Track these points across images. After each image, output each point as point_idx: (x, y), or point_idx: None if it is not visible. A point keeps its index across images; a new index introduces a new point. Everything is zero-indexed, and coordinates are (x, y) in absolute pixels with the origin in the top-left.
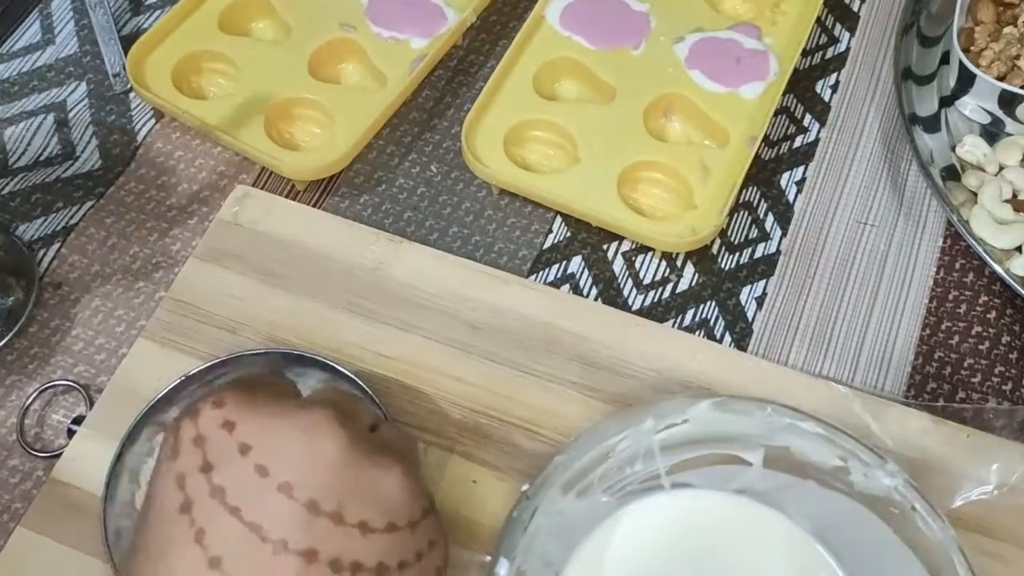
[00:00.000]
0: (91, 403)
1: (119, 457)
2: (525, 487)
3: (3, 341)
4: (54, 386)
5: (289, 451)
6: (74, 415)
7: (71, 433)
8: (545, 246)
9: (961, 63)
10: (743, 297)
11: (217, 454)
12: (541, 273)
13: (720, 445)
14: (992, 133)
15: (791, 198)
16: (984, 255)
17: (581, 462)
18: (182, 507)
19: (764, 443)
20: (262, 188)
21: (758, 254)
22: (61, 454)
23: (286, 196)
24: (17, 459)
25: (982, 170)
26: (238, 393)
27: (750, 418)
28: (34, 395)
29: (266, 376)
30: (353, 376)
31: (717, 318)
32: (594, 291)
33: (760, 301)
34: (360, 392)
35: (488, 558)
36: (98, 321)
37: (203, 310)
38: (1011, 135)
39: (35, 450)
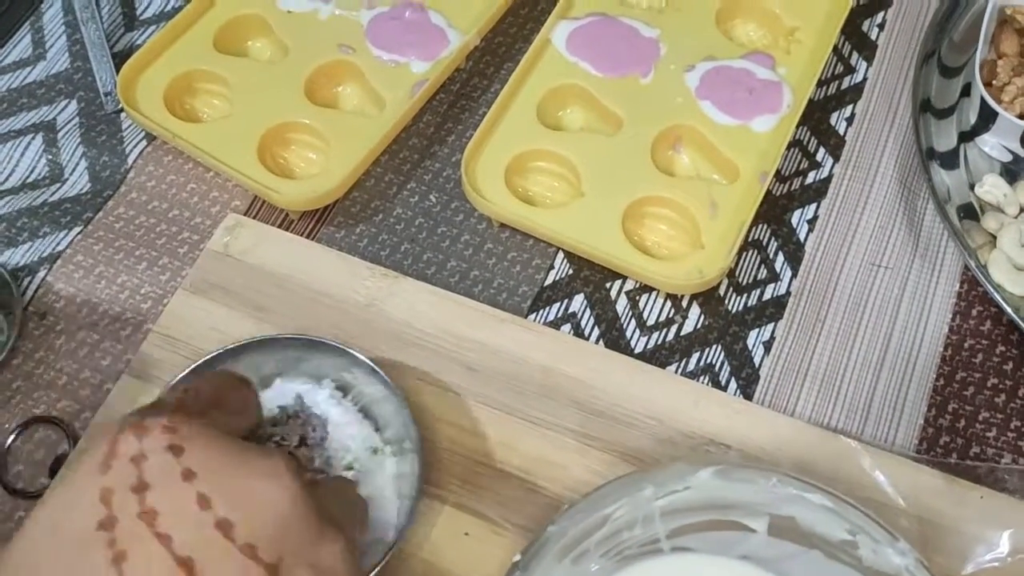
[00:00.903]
0: (74, 441)
1: None
2: (517, 557)
3: None
4: (36, 421)
5: (238, 490)
6: (57, 453)
7: (53, 472)
8: (546, 283)
9: (982, 99)
10: (750, 341)
11: (156, 475)
12: (542, 311)
13: (723, 512)
14: (1013, 172)
15: (802, 237)
16: (1002, 303)
17: (576, 529)
18: (102, 524)
19: (769, 511)
20: (256, 214)
21: (767, 296)
22: (42, 494)
23: (280, 224)
24: None
25: (1002, 212)
26: (194, 421)
27: (754, 487)
28: (15, 433)
29: (228, 381)
30: (372, 364)
31: (723, 363)
32: (596, 331)
33: (768, 346)
34: (379, 380)
35: None
36: (84, 354)
37: (190, 345)
38: None
39: (16, 490)
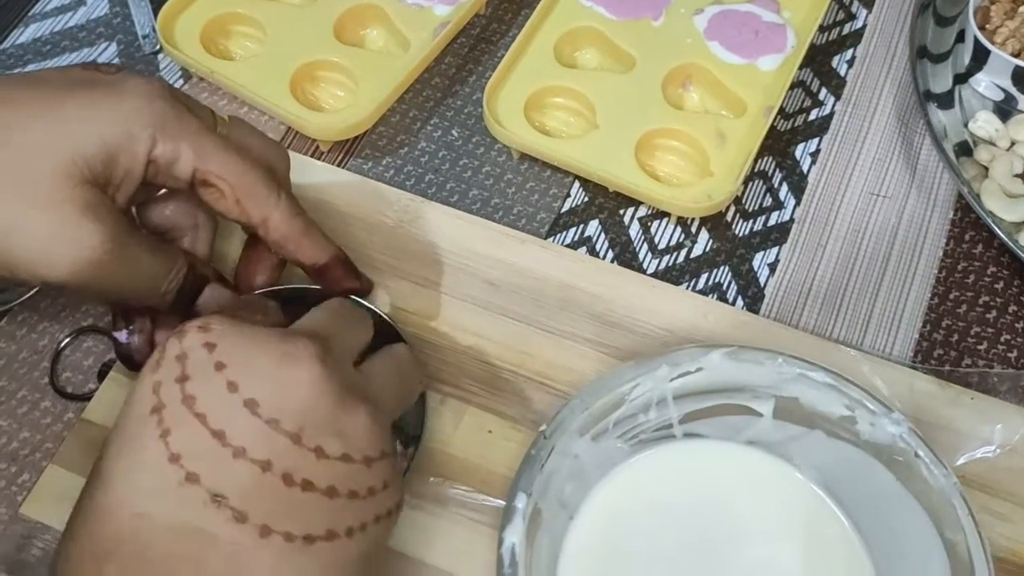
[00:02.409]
0: None
1: None
2: (543, 428)
3: (35, 288)
4: (84, 331)
5: (261, 374)
6: (104, 360)
7: (102, 376)
8: (563, 210)
9: (976, 40)
10: (756, 263)
11: (194, 368)
12: (559, 236)
13: (731, 395)
14: (1005, 110)
15: (805, 168)
16: (994, 227)
17: (596, 406)
18: (153, 409)
19: (774, 393)
20: (289, 145)
21: (772, 222)
22: (91, 397)
23: (310, 156)
24: (49, 401)
25: (994, 145)
26: (224, 319)
27: (761, 367)
28: (66, 340)
29: (256, 302)
30: (377, 310)
31: (730, 283)
32: (610, 254)
33: (773, 267)
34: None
35: (502, 502)
36: None
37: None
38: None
39: (66, 394)
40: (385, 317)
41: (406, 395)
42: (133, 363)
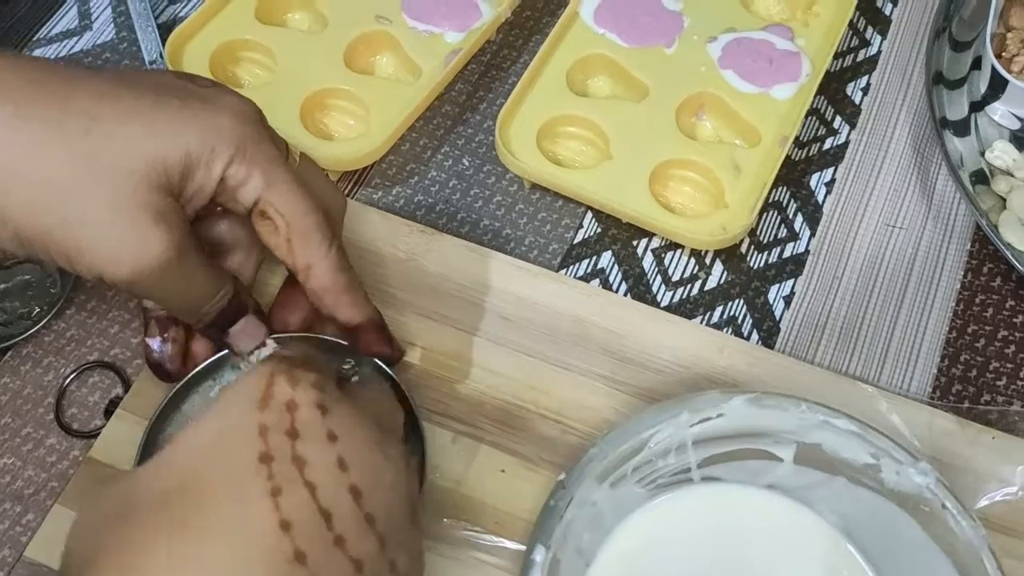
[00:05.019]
0: (127, 385)
1: (149, 436)
2: (561, 476)
3: (42, 323)
4: (90, 367)
5: (369, 463)
6: (111, 396)
7: (108, 413)
8: (575, 241)
9: (993, 68)
10: (771, 296)
11: (305, 427)
12: (571, 267)
13: (752, 440)
14: (1021, 139)
15: (820, 199)
16: (1012, 260)
17: (616, 453)
18: (262, 457)
19: (796, 439)
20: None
21: (787, 254)
22: (98, 434)
23: None
24: (55, 439)
25: (1011, 175)
26: (333, 384)
27: (784, 414)
28: (71, 376)
29: (319, 358)
30: (387, 368)
31: (745, 316)
32: (624, 286)
33: (788, 300)
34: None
35: (516, 546)
36: (135, 303)
37: None
38: None
39: (72, 431)
40: (408, 397)
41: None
42: (164, 372)
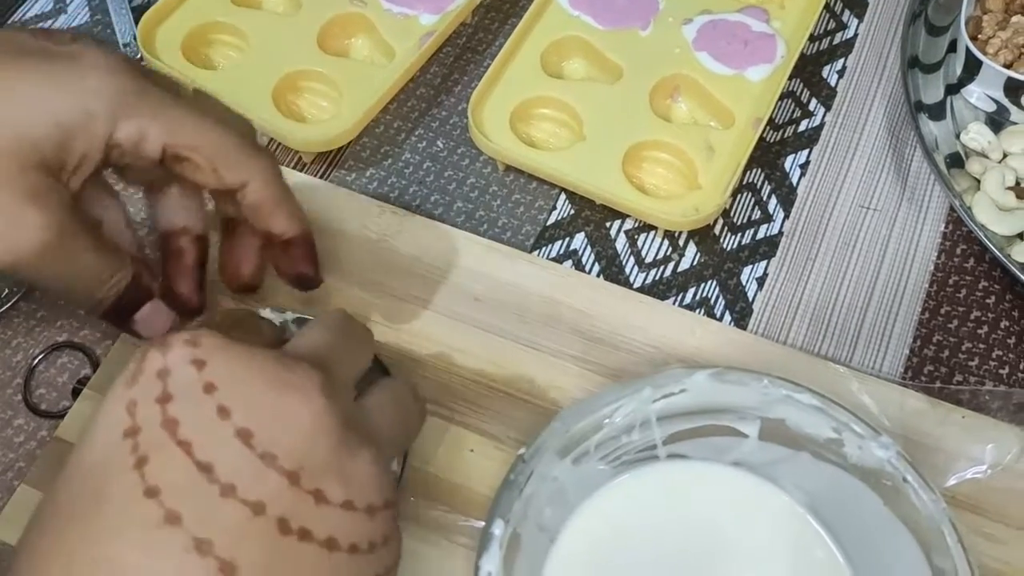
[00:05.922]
0: (95, 365)
1: None
2: (521, 451)
3: (10, 303)
4: (59, 347)
5: (258, 402)
6: (79, 377)
7: (76, 393)
8: (549, 222)
9: (968, 50)
10: (744, 277)
11: (178, 387)
12: (544, 249)
13: (716, 416)
14: (997, 121)
15: (794, 181)
16: (986, 241)
17: (577, 428)
18: (127, 432)
19: (760, 415)
20: None
21: (760, 235)
22: (65, 415)
23: (293, 168)
24: (22, 419)
25: (986, 157)
26: (215, 335)
27: (747, 389)
28: (40, 357)
29: (247, 317)
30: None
31: (718, 297)
32: (596, 268)
33: (761, 281)
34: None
35: (482, 523)
36: None
37: (209, 277)
38: (1016, 123)
39: (40, 411)
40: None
41: (407, 436)
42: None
